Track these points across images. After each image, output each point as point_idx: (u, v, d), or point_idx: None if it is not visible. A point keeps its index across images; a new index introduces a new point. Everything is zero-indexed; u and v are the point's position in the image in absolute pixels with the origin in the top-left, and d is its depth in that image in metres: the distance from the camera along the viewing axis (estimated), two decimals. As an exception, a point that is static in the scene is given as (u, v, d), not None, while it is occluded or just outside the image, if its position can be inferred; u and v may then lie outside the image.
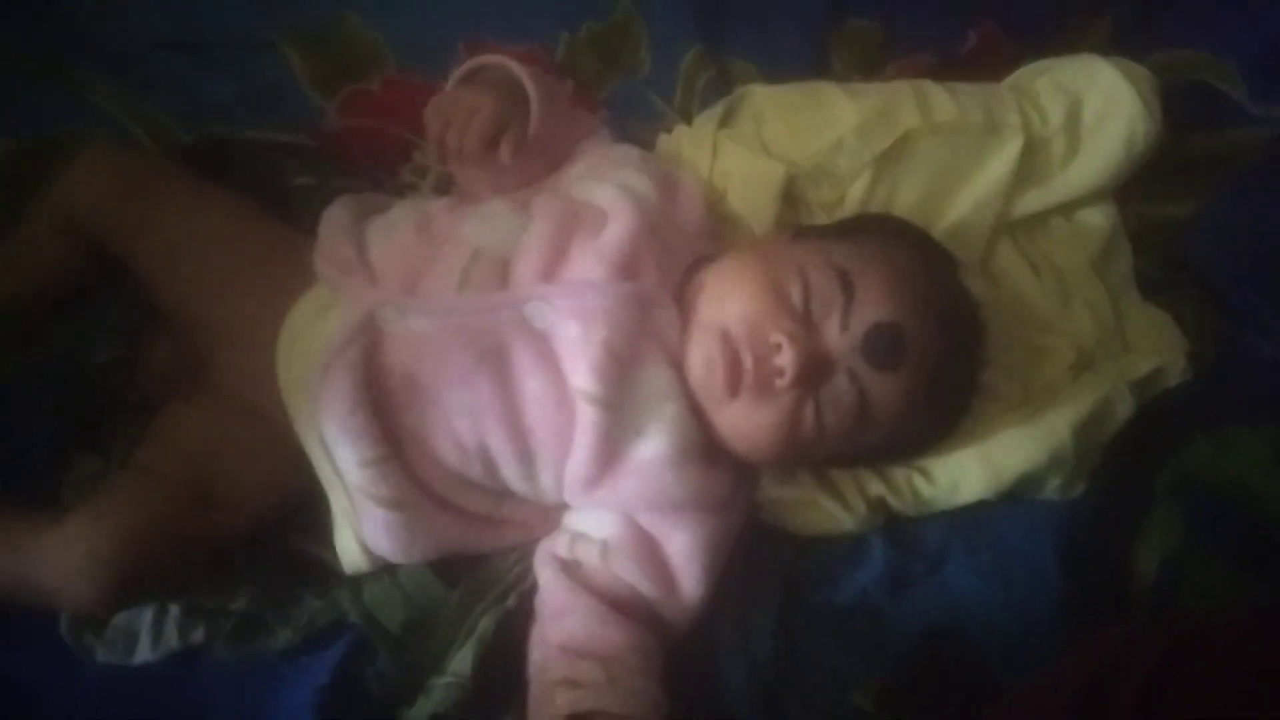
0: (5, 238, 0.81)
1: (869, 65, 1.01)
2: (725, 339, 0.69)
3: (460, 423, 0.67)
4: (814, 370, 0.69)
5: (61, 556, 0.66)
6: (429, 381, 0.67)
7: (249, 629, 0.71)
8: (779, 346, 0.68)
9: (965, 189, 0.85)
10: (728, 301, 0.71)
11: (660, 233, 0.73)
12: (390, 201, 0.79)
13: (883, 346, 0.69)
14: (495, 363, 0.67)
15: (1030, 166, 0.86)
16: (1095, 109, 0.88)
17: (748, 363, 0.69)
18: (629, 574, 0.70)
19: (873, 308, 0.69)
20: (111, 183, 0.78)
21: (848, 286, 0.70)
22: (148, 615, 0.71)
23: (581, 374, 0.67)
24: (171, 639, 0.70)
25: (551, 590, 0.71)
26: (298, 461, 0.72)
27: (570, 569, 0.71)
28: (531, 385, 0.67)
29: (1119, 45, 0.99)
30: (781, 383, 0.68)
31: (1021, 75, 0.93)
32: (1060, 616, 0.75)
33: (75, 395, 0.77)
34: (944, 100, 0.87)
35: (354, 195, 0.78)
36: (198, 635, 0.71)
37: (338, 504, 0.70)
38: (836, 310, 0.69)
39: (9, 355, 0.79)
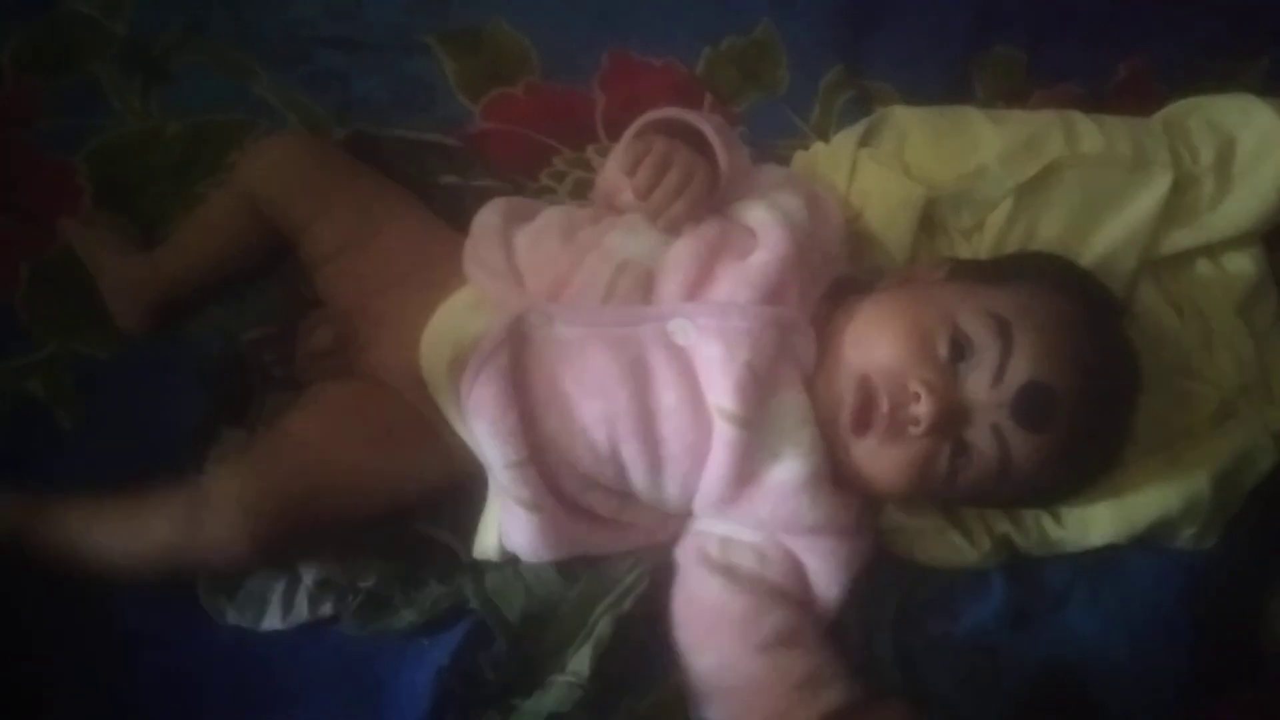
0: (181, 217, 0.87)
1: (1012, 93, 0.99)
2: (864, 383, 0.69)
3: (596, 429, 0.68)
4: (950, 422, 0.68)
5: (207, 509, 0.69)
6: (570, 387, 0.69)
7: (376, 607, 0.74)
8: (917, 396, 0.67)
9: (1110, 224, 0.83)
10: (872, 345, 0.70)
11: (806, 254, 0.73)
12: (538, 207, 0.80)
13: (1035, 408, 0.67)
14: (635, 374, 0.68)
15: (1178, 205, 0.84)
16: (1249, 149, 0.86)
17: (884, 408, 0.68)
18: (779, 583, 0.71)
19: (1029, 365, 0.67)
20: (292, 165, 0.82)
21: (1005, 338, 0.68)
22: (280, 584, 0.74)
23: (723, 392, 0.67)
24: (302, 610, 0.73)
25: (722, 594, 0.71)
26: (444, 453, 0.74)
27: (728, 572, 0.71)
28: (668, 398, 0.68)
29: (1275, 85, 0.96)
30: (915, 430, 0.68)
31: (1173, 111, 0.91)
32: (1186, 669, 0.73)
33: (224, 371, 0.80)
34: (1091, 132, 0.85)
35: (504, 199, 0.80)
36: (326, 608, 0.73)
37: (491, 493, 0.72)
38: (990, 362, 0.68)
39: (163, 329, 0.84)
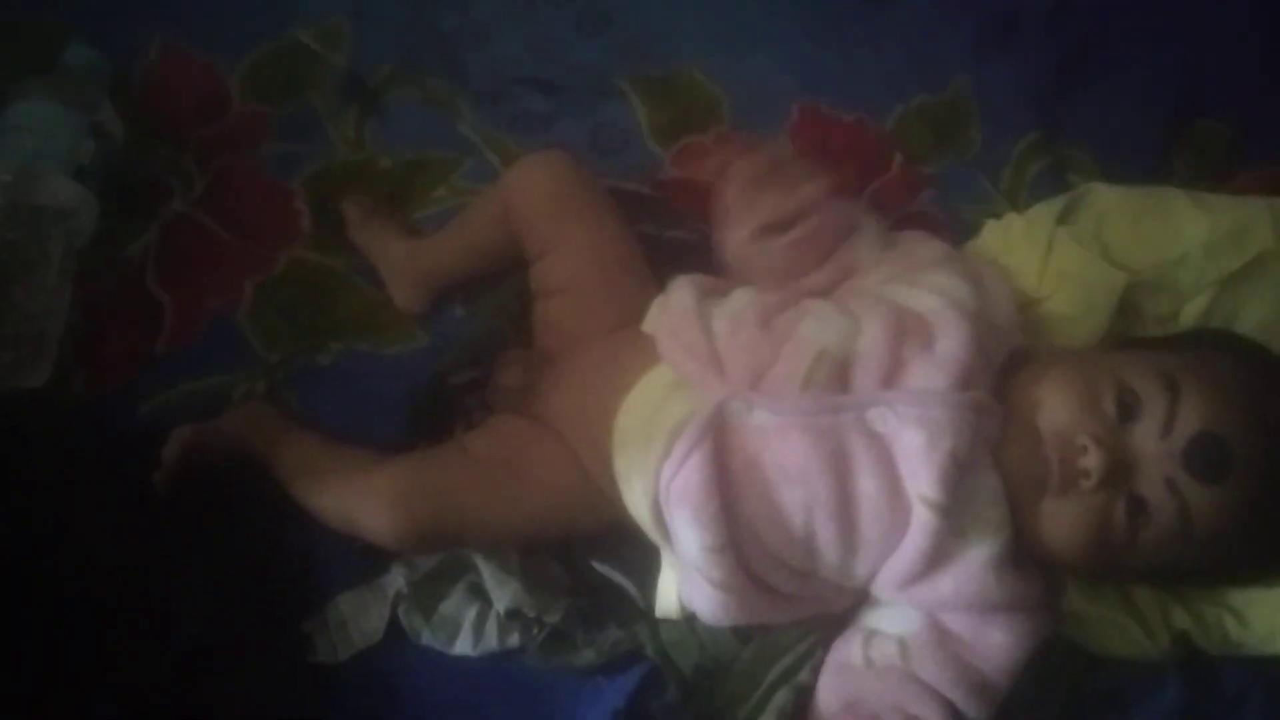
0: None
1: (1214, 170, 0.97)
2: (1036, 440, 0.70)
3: (795, 514, 0.70)
4: (1120, 474, 0.68)
5: (372, 492, 0.77)
6: (771, 475, 0.70)
7: (558, 643, 0.77)
8: (1085, 449, 0.68)
9: (1314, 319, 0.81)
10: (1042, 405, 0.72)
11: (980, 335, 0.74)
12: (724, 285, 0.82)
13: (1206, 457, 0.67)
14: (837, 462, 0.69)
15: (1390, 301, 0.81)
16: None
17: (1054, 463, 0.69)
18: (930, 674, 0.71)
19: (1198, 416, 0.68)
20: (548, 190, 0.86)
21: (1173, 392, 0.69)
22: (472, 611, 0.78)
23: (925, 481, 0.68)
24: (491, 639, 0.77)
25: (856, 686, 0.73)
26: (602, 504, 0.78)
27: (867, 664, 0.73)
28: (868, 486, 0.69)
29: None
30: (1087, 484, 0.68)
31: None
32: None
33: (429, 401, 0.86)
34: (1302, 222, 0.83)
35: (693, 276, 0.82)
36: (514, 639, 0.77)
37: (667, 559, 0.75)
38: (1158, 415, 0.68)
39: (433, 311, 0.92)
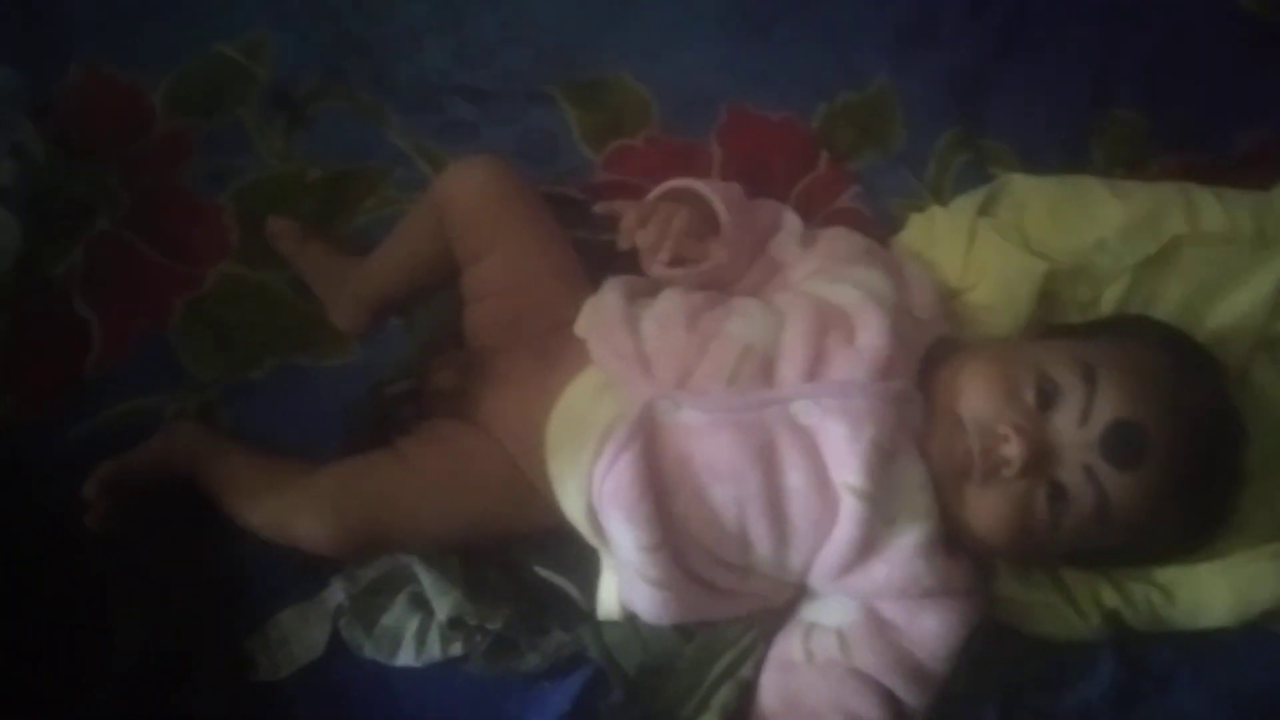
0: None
1: (1130, 158, 1.00)
2: (959, 429, 0.72)
3: (726, 510, 0.71)
4: (1040, 462, 0.70)
5: (305, 501, 0.78)
6: (701, 472, 0.71)
7: (502, 649, 0.77)
8: (1006, 438, 0.70)
9: (1227, 301, 0.84)
10: (963, 395, 0.74)
11: (899, 326, 0.76)
12: (652, 285, 0.83)
13: (1122, 444, 0.69)
14: (764, 457, 0.70)
15: (1299, 283, 0.84)
16: (1374, 225, 0.85)
17: (976, 452, 0.71)
18: (868, 664, 0.73)
19: (1114, 404, 0.70)
20: (481, 194, 0.85)
21: (1090, 380, 0.71)
22: (413, 622, 0.78)
23: (850, 470, 0.70)
24: (434, 649, 0.77)
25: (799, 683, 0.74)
26: (540, 506, 0.78)
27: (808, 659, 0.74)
28: (795, 478, 0.71)
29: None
30: (1008, 472, 0.70)
31: (1296, 185, 0.91)
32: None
33: (366, 417, 0.86)
34: (1213, 208, 0.86)
35: (622, 278, 0.83)
36: (456, 648, 0.77)
37: (607, 561, 0.76)
38: (1076, 404, 0.71)
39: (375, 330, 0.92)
